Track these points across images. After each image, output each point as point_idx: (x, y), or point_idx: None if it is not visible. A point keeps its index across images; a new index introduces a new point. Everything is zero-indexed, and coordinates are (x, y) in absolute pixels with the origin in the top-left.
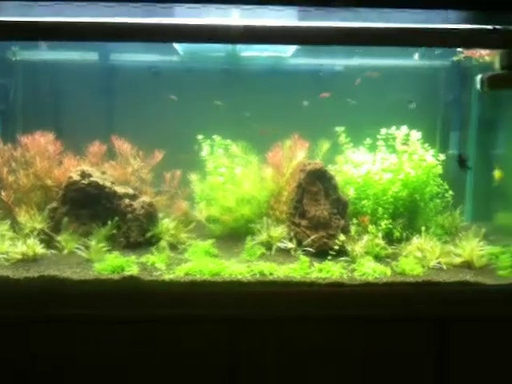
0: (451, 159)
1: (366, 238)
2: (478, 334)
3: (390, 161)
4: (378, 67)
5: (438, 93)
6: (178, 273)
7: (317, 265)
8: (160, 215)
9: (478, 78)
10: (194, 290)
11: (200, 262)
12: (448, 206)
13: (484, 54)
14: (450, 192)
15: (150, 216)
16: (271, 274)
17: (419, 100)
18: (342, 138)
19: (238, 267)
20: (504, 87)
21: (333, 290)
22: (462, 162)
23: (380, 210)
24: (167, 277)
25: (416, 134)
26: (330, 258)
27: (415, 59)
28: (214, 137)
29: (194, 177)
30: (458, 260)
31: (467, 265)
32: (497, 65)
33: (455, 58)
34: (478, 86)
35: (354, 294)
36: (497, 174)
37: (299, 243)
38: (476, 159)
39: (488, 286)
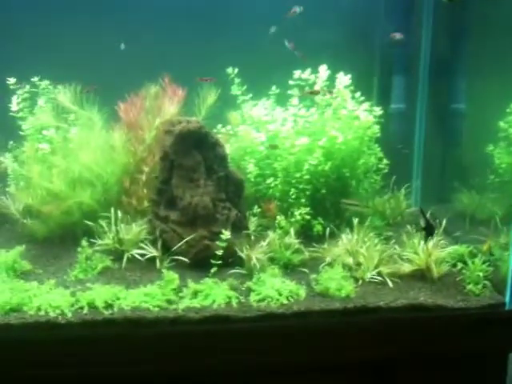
0: (394, 117)
1: (270, 235)
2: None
3: (306, 119)
4: None
5: (373, 21)
6: None
7: (192, 285)
8: None
9: None
10: None
11: None
12: (389, 185)
13: None
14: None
15: None
16: (110, 306)
17: (347, 34)
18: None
19: (54, 295)
20: None
21: (211, 328)
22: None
23: (293, 192)
24: None
25: (344, 79)
26: (214, 270)
27: None
28: (34, 80)
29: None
30: (407, 268)
31: (421, 274)
32: None
33: None
34: None
35: (243, 334)
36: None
37: (167, 248)
38: (428, 117)
39: (452, 310)
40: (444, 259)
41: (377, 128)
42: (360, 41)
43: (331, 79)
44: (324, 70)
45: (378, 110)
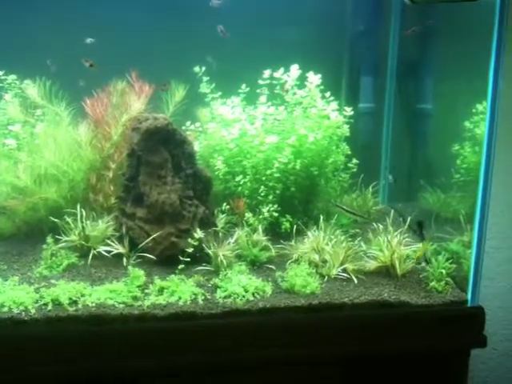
0: (362, 116)
1: (238, 232)
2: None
3: (276, 117)
4: None
5: (342, 22)
6: None
7: (158, 281)
8: None
9: None
10: None
11: None
12: (356, 184)
13: None
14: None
15: None
16: (74, 303)
17: (315, 34)
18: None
19: (18, 292)
20: None
21: (177, 325)
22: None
23: (262, 189)
24: None
25: (314, 78)
26: (181, 267)
27: None
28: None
29: None
30: (372, 265)
31: (386, 271)
32: None
33: None
34: None
35: (209, 331)
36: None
37: (134, 245)
38: (395, 117)
39: (415, 306)
40: (408, 256)
41: (346, 127)
42: (328, 41)
43: (300, 78)
44: (295, 70)
45: (349, 111)
